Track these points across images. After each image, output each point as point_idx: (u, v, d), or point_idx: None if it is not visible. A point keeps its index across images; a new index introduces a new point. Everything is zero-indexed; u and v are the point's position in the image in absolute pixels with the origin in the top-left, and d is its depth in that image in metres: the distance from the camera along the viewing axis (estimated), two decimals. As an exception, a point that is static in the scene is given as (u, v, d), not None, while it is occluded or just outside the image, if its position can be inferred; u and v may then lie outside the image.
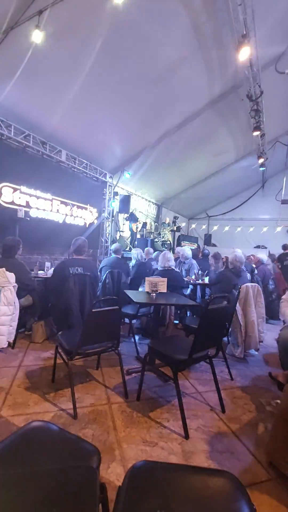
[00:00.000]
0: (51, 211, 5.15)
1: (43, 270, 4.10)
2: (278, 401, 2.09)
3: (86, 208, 6.07)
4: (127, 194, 7.47)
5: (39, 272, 3.95)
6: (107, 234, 6.95)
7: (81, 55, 3.76)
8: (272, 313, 5.17)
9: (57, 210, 5.29)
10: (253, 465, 1.60)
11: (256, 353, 3.41)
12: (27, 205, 4.71)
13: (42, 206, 4.98)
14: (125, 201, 7.10)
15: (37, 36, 3.20)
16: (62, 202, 5.38)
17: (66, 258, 4.84)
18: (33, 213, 4.81)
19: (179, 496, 0.75)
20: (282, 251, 6.64)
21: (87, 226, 6.14)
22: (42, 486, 0.63)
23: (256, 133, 5.84)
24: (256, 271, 5.35)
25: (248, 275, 4.34)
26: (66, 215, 5.51)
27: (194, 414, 2.06)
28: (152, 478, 0.82)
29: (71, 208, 5.62)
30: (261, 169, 8.10)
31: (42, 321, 3.34)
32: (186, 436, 1.78)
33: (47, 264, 4.16)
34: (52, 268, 3.68)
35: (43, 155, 4.96)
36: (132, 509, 0.65)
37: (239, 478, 0.91)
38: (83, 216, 5.99)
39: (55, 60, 3.71)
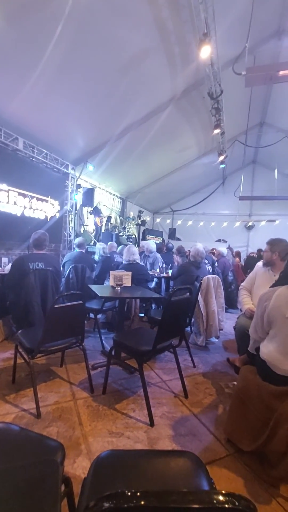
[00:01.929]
0: (7, 203, 4.80)
1: (0, 266, 3.84)
2: (235, 382, 2.25)
3: (47, 201, 5.78)
4: (90, 187, 7.29)
5: (-4, 268, 3.69)
6: (70, 228, 6.72)
7: (39, 38, 3.52)
8: (231, 303, 5.53)
9: (14, 202, 4.96)
10: (213, 444, 1.71)
11: (217, 340, 3.62)
12: (-20, 196, 4.34)
13: (-2, 197, 4.63)
14: (89, 194, 6.91)
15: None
16: (20, 194, 5.05)
17: (25, 253, 4.59)
18: (-13, 205, 4.45)
19: (142, 479, 0.77)
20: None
21: (48, 219, 5.86)
22: (2, 483, 0.60)
23: (216, 131, 6.07)
24: (216, 264, 5.64)
25: (210, 267, 4.57)
26: (25, 207, 5.19)
27: (159, 402, 2.13)
28: (117, 465, 0.83)
29: (30, 200, 5.30)
30: (221, 166, 8.47)
31: (0, 320, 3.14)
32: (151, 424, 1.84)
33: (4, 259, 3.91)
34: (10, 264, 3.46)
35: (-2, 142, 4.59)
36: (96, 496, 0.65)
37: (201, 457, 0.96)
38: (43, 208, 5.70)
39: (10, 41, 3.42)
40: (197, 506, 0.37)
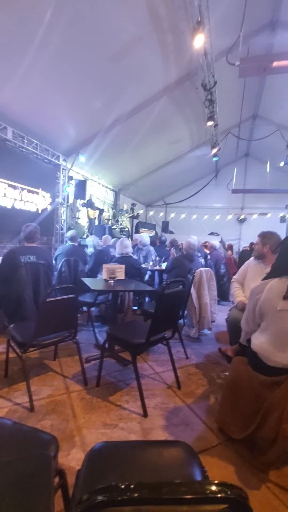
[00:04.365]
0: (-3, 195, 4.70)
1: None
2: (227, 373, 2.29)
3: (38, 193, 5.66)
4: (82, 179, 7.17)
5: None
6: (62, 220, 6.62)
7: (29, 24, 3.38)
8: (223, 295, 5.60)
9: (4, 194, 4.84)
10: (205, 433, 1.75)
11: (209, 332, 3.67)
12: None
13: (-13, 189, 4.51)
14: (81, 186, 6.80)
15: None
16: (9, 185, 4.93)
17: (16, 246, 4.52)
18: (-24, 197, 4.34)
19: (136, 470, 0.78)
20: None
21: (39, 212, 5.76)
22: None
23: (210, 123, 6.02)
24: (209, 257, 5.68)
25: (202, 260, 4.60)
26: (15, 199, 5.08)
27: (152, 393, 2.16)
28: (111, 457, 0.84)
29: (21, 192, 5.19)
30: (214, 159, 8.43)
31: (-8, 314, 3.10)
32: (145, 415, 1.86)
33: (-5, 253, 3.83)
34: (1, 257, 3.40)
35: (-14, 132, 4.45)
36: (90, 488, 0.66)
37: (193, 446, 0.98)
38: (34, 201, 5.59)
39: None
40: (190, 496, 0.37)
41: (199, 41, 3.87)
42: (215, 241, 6.38)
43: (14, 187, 5.03)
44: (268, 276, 1.68)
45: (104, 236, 5.46)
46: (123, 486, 0.38)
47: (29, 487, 0.57)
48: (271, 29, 4.99)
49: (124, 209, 9.30)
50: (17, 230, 4.27)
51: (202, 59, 4.51)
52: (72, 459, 1.48)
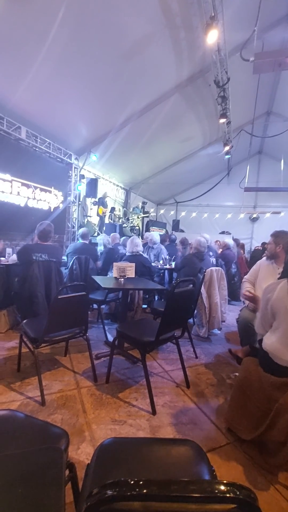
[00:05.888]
0: (11, 193, 4.79)
1: (4, 256, 3.87)
2: (237, 373, 2.27)
3: (50, 191, 5.75)
4: (94, 177, 7.22)
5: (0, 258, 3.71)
6: (74, 219, 6.71)
7: (40, 23, 3.42)
8: (234, 295, 5.53)
9: (18, 192, 4.94)
10: (213, 432, 1.74)
11: (219, 332, 3.64)
12: (-16, 187, 4.33)
13: (1, 188, 4.61)
14: (92, 184, 6.86)
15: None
16: (23, 184, 5.03)
17: (29, 243, 4.61)
18: (-9, 196, 4.44)
19: (144, 466, 0.79)
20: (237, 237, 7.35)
21: (51, 210, 5.85)
22: (6, 469, 0.62)
23: (222, 120, 5.92)
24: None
25: (213, 259, 4.55)
26: (28, 198, 5.18)
27: (161, 391, 2.16)
28: (120, 452, 0.85)
29: (34, 191, 5.28)
30: (226, 156, 8.31)
31: (5, 310, 3.19)
32: (154, 412, 1.87)
33: (8, 250, 3.93)
34: (14, 255, 3.48)
35: (0, 132, 4.54)
36: (99, 482, 0.67)
37: (201, 445, 0.98)
38: (47, 199, 5.68)
39: (11, 27, 3.33)
40: (198, 495, 0.38)
41: (212, 37, 3.81)
42: (228, 240, 6.27)
43: (27, 186, 5.13)
44: (282, 276, 1.65)
45: (112, 234, 5.49)
46: (132, 482, 0.38)
47: (41, 479, 0.59)
48: (286, 23, 4.85)
49: (140, 207, 9.32)
50: (29, 228, 4.37)
51: (215, 55, 4.45)
52: (82, 453, 1.51)
